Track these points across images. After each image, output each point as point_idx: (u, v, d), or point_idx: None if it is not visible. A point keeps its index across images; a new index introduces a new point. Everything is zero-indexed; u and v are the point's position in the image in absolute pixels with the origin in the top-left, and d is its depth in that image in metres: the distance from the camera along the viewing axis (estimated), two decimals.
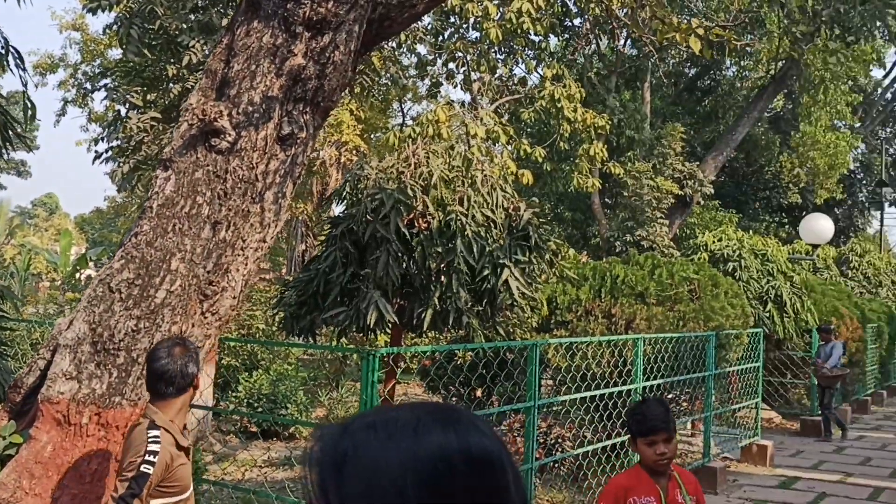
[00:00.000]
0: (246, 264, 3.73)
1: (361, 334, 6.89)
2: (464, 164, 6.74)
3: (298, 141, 3.78)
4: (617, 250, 17.06)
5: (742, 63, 24.57)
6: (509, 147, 14.29)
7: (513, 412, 7.70)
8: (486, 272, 6.21)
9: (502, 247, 6.36)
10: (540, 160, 14.45)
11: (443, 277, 6.07)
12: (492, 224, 6.43)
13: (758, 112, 20.07)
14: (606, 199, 21.49)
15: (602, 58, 20.83)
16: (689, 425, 10.89)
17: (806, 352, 13.05)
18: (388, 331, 6.87)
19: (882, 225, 26.11)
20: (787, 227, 27.16)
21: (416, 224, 6.22)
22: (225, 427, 10.00)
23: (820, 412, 12.42)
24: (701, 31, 6.11)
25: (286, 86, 3.72)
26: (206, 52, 8.28)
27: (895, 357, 18.15)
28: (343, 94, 4.41)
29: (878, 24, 17.85)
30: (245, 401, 9.60)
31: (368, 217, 6.04)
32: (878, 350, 16.30)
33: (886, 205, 29.07)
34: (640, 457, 3.28)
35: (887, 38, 23.52)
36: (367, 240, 6.08)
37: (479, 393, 9.28)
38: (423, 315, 6.08)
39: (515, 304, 6.31)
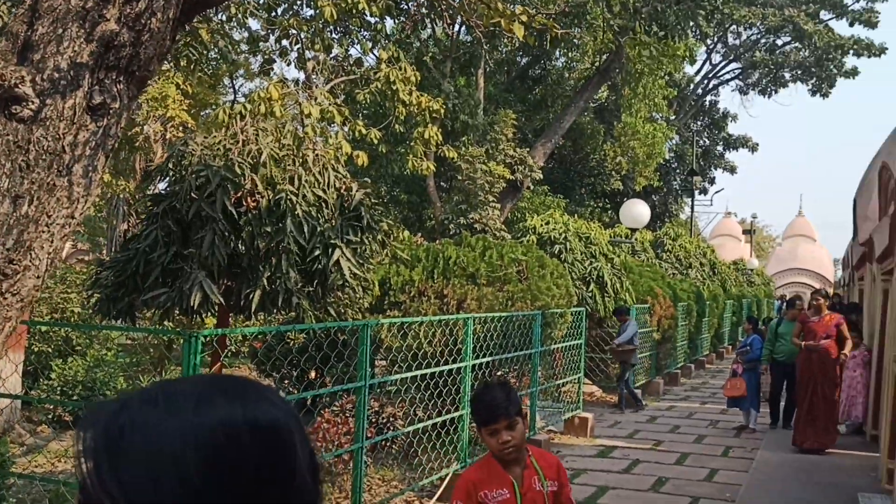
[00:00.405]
0: (52, 241, 3.47)
1: (188, 317, 6.62)
2: (295, 143, 6.62)
3: (111, 112, 3.55)
4: (451, 233, 17.39)
5: (570, 54, 25.63)
6: (345, 128, 14.18)
7: (345, 393, 7.68)
8: (316, 252, 6.13)
9: (333, 227, 6.31)
10: (375, 142, 14.42)
11: (272, 258, 5.94)
12: (323, 204, 6.35)
13: (584, 102, 21.03)
14: (441, 183, 21.83)
15: (437, 42, 21.08)
16: None
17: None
18: (215, 313, 6.65)
19: (692, 211, 28.16)
20: (609, 211, 28.74)
21: (244, 203, 6.04)
22: (36, 417, 9.34)
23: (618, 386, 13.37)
24: (525, 19, 6.29)
25: (97, 52, 3.48)
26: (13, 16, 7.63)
27: (702, 333, 19.67)
28: (161, 64, 4.18)
29: (691, 23, 19.12)
30: (59, 389, 9.00)
31: (193, 195, 5.80)
32: (687, 327, 17.60)
33: (697, 192, 31.41)
34: (487, 447, 3.06)
35: (698, 36, 25.30)
36: (192, 218, 5.84)
37: (312, 375, 9.19)
38: (251, 296, 5.93)
39: (347, 284, 6.27)
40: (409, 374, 6.94)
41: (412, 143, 15.39)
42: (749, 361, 11.50)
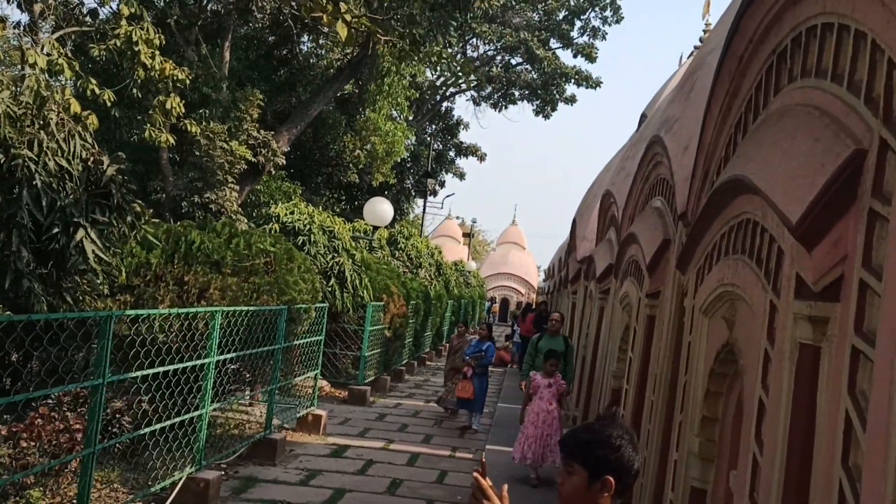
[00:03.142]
0: None
1: None
2: (35, 102, 5.73)
3: None
4: (183, 210, 16.33)
5: (320, 41, 25.29)
6: (73, 84, 12.74)
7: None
8: (55, 230, 5.36)
9: (78, 203, 5.55)
10: (109, 104, 13.11)
11: (2, 233, 5.08)
12: (66, 176, 5.57)
13: (333, 92, 20.85)
14: (173, 156, 20.44)
15: (183, 6, 19.68)
16: (244, 394, 10.84)
17: (359, 325, 13.91)
18: None
19: (424, 212, 29.11)
20: (343, 203, 28.82)
21: None
22: None
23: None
24: (349, 18, 5.99)
25: None
26: None
27: (427, 331, 20.38)
28: None
29: (443, 30, 19.70)
30: None
31: None
32: (414, 325, 18.12)
33: (429, 195, 32.55)
34: None
35: (445, 45, 26.17)
36: None
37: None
38: None
39: (89, 269, 5.55)
40: (154, 371, 6.31)
41: (151, 112, 14.20)
42: (482, 366, 12.05)
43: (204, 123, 16.90)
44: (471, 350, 12.31)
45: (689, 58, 14.98)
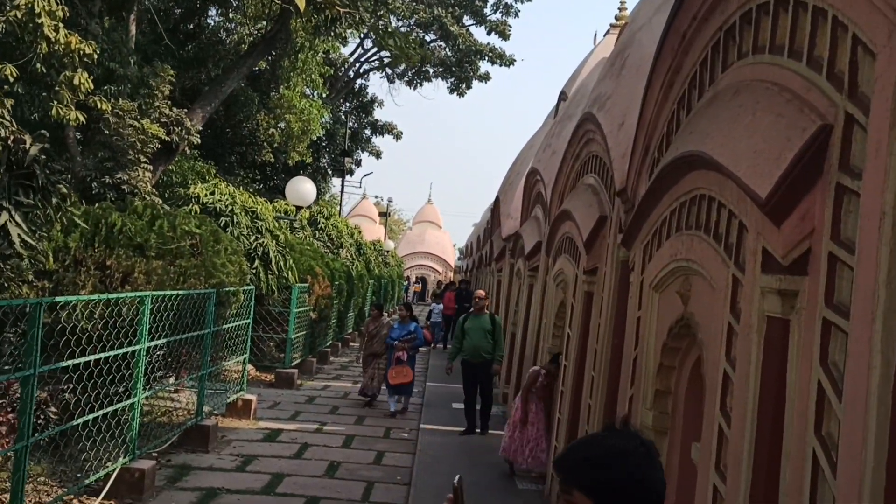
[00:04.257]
0: None
1: None
2: None
3: None
4: (94, 192, 15.62)
5: (231, 15, 24.54)
6: None
7: None
8: None
9: (0, 185, 5.22)
10: (12, 79, 12.40)
11: None
12: None
13: (247, 67, 20.26)
14: (78, 135, 19.51)
15: None
16: (171, 381, 10.53)
17: (285, 307, 13.67)
18: None
19: (342, 191, 28.75)
20: (258, 183, 28.16)
21: None
22: None
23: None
24: None
25: None
26: None
27: (350, 311, 20.21)
28: None
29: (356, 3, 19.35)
30: None
31: None
32: (338, 306, 17.94)
33: (346, 174, 32.16)
34: None
35: (357, 20, 25.75)
36: None
37: None
38: None
39: (15, 254, 5.24)
40: (85, 359, 6.02)
41: (58, 89, 13.49)
42: (413, 349, 11.93)
43: (112, 100, 16.17)
44: (397, 333, 11.97)
45: (604, 36, 15.20)
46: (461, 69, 34.56)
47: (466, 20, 34.98)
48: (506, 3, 34.52)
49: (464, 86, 35.02)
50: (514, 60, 33.90)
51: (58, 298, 5.99)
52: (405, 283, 44.09)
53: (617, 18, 14.27)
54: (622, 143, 6.37)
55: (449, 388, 13.03)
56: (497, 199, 16.95)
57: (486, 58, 34.12)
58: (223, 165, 25.52)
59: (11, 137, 5.45)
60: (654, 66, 5.22)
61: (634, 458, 1.74)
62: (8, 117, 5.54)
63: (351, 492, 7.57)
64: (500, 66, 33.97)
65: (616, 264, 6.21)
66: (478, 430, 10.33)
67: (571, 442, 2.18)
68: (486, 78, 35.35)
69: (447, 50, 35.12)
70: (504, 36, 34.11)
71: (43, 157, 5.50)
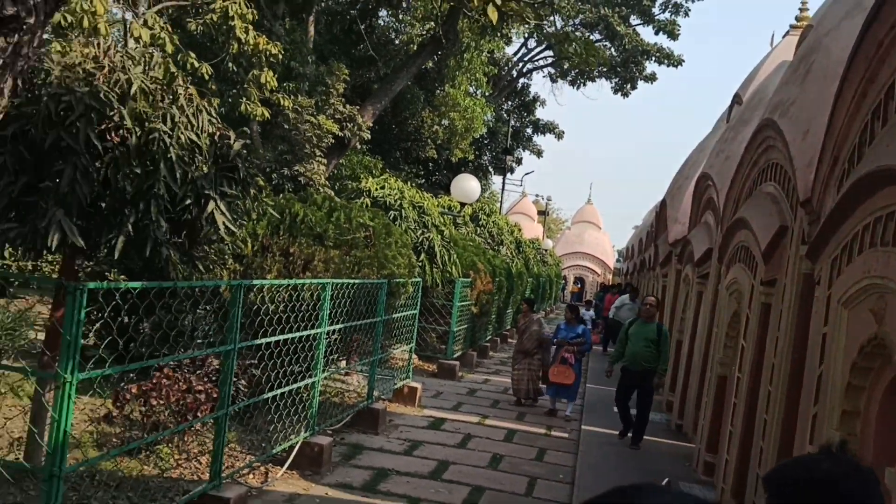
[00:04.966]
0: None
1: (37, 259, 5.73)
2: (166, 78, 5.89)
3: (25, 27, 2.90)
4: (273, 183, 16.63)
5: (400, 16, 25.30)
6: (171, 58, 13.05)
7: (183, 350, 7.03)
8: (188, 202, 5.52)
9: (207, 176, 5.69)
10: (207, 78, 13.38)
11: (140, 202, 5.25)
12: (196, 149, 5.71)
13: (416, 66, 20.85)
14: (258, 129, 20.79)
15: None
16: (342, 364, 11.04)
17: (448, 300, 14.00)
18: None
19: (503, 189, 29.02)
20: (421, 178, 28.92)
21: (107, 137, 5.28)
22: None
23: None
24: (499, 1, 5.96)
25: None
26: None
27: (509, 307, 20.38)
28: None
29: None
30: None
31: (53, 119, 4.99)
32: (498, 301, 18.14)
33: (507, 171, 32.43)
34: None
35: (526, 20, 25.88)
36: (48, 148, 5.03)
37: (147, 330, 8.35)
38: (113, 242, 5.22)
39: (219, 240, 5.71)
40: (277, 338, 6.48)
41: (246, 86, 14.48)
42: (581, 353, 11.62)
43: (292, 97, 17.14)
44: (563, 334, 11.70)
45: (783, 37, 14.48)
46: (626, 69, 33.91)
47: (633, 20, 34.29)
48: (675, 3, 33.58)
49: (628, 86, 34.37)
50: (683, 61, 32.93)
51: (255, 282, 6.47)
52: (562, 282, 43.81)
53: (797, 19, 13.57)
54: (807, 152, 6.10)
55: (610, 391, 12.87)
56: (664, 203, 16.55)
57: (653, 58, 33.30)
58: (389, 160, 26.40)
59: (217, 133, 5.93)
60: (846, 74, 4.95)
61: (847, 484, 1.66)
62: (215, 115, 6.02)
63: (515, 485, 7.68)
64: (668, 66, 33.08)
65: (798, 277, 5.96)
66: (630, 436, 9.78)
67: (784, 461, 2.08)
68: (652, 78, 34.52)
69: (612, 50, 34.55)
70: (672, 35, 33.20)
71: (244, 151, 5.95)
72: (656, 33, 33.18)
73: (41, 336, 8.86)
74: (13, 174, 4.95)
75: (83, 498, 5.51)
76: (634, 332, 9.74)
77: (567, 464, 8.78)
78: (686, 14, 33.65)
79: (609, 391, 12.76)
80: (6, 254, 5.36)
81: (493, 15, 6.15)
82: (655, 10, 33.79)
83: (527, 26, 26.33)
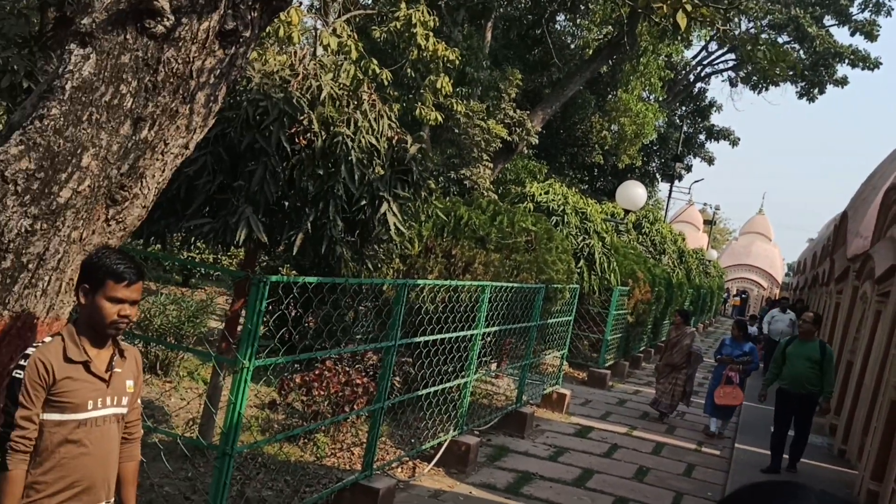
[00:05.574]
0: (163, 171, 3.23)
1: (224, 252, 6.34)
2: (352, 84, 6.33)
3: (241, 40, 3.29)
4: (440, 185, 17.15)
5: (577, 21, 25.25)
6: (356, 65, 13.78)
7: (342, 344, 7.49)
8: (363, 203, 5.92)
9: (383, 178, 6.08)
10: (386, 84, 14.03)
11: (319, 202, 5.70)
12: (375, 153, 6.11)
13: (590, 72, 20.80)
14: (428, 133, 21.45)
15: None
16: (492, 367, 11.28)
17: (604, 308, 13.94)
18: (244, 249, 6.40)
19: (670, 196, 28.32)
20: (585, 183, 28.74)
21: (296, 140, 5.76)
22: None
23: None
24: (689, 7, 6.04)
25: None
26: None
27: (666, 318, 19.95)
28: None
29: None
30: None
31: (251, 123, 5.53)
32: (655, 312, 17.82)
33: (675, 179, 31.61)
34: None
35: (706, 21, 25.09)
36: (244, 149, 5.57)
37: (311, 323, 8.97)
38: (293, 238, 5.70)
39: (391, 240, 6.09)
40: (435, 337, 6.81)
41: (422, 91, 15.03)
42: (747, 372, 11.14)
43: (464, 102, 17.59)
44: (728, 351, 11.20)
45: None
46: (815, 73, 32.05)
47: (827, 20, 32.39)
48: (877, 1, 31.38)
49: (816, 91, 32.44)
50: (880, 63, 30.73)
51: (418, 281, 6.83)
52: (724, 295, 42.12)
53: None
54: None
55: (767, 409, 12.37)
56: (844, 215, 15.64)
57: (846, 60, 31.28)
58: (554, 165, 26.44)
59: (395, 137, 6.31)
60: None
61: None
62: (394, 119, 6.41)
63: (659, 499, 7.63)
64: (863, 69, 30.96)
65: None
66: (787, 467, 9.12)
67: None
68: (843, 82, 32.38)
69: (801, 52, 32.79)
70: (871, 37, 31.05)
71: (419, 155, 6.30)
72: (852, 34, 31.14)
73: (218, 325, 9.71)
74: (211, 173, 5.52)
75: (246, 478, 6.04)
76: (793, 351, 9.05)
77: (717, 482, 8.59)
78: (889, 13, 31.34)
79: (766, 410, 12.29)
80: (196, 247, 5.97)
81: (683, 21, 6.11)
82: (853, 10, 31.73)
83: (710, 29, 25.54)
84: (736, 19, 25.30)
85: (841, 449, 10.48)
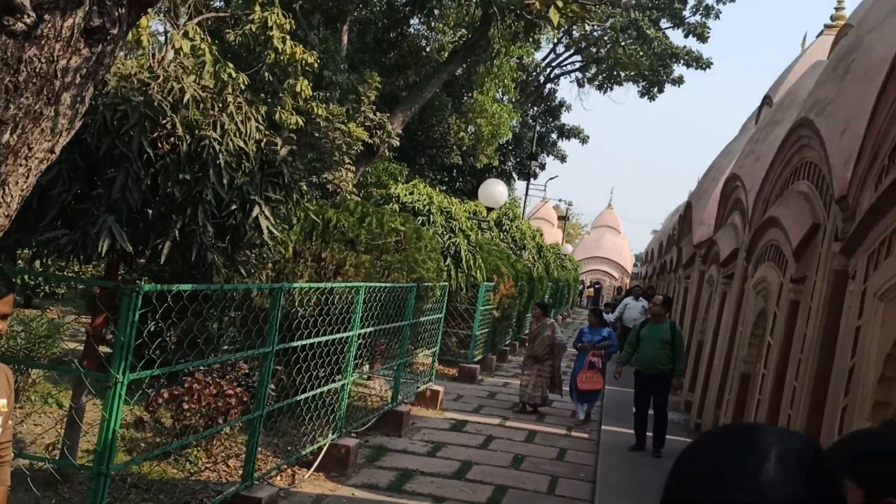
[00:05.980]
0: (27, 177, 3.06)
1: (86, 264, 6.00)
2: (217, 86, 6.18)
3: (108, 38, 3.15)
4: (302, 191, 16.92)
5: (432, 24, 25.57)
6: (211, 69, 13.40)
7: (213, 354, 7.27)
8: (233, 207, 5.79)
9: (253, 181, 5.97)
10: (243, 87, 13.70)
11: (187, 208, 5.52)
12: (243, 156, 5.99)
13: (447, 74, 21.10)
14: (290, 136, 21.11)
15: None
16: (365, 369, 11.24)
17: (471, 304, 14.21)
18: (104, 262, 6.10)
19: (527, 194, 29.19)
20: (445, 184, 29.14)
21: (158, 145, 5.56)
22: None
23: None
24: (560, 4, 6.19)
25: None
26: None
27: (528, 311, 20.53)
28: None
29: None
30: None
31: (109, 128, 5.28)
32: (518, 306, 18.32)
33: (530, 177, 32.60)
34: None
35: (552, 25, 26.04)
36: (102, 156, 5.31)
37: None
38: (160, 247, 5.49)
39: (263, 244, 5.98)
40: (315, 340, 6.74)
41: (281, 95, 14.80)
42: (608, 356, 11.64)
43: (324, 106, 17.45)
44: (588, 338, 11.66)
45: (817, 37, 14.57)
46: (654, 73, 33.92)
47: (663, 23, 34.35)
48: (707, 5, 33.62)
49: (655, 90, 34.37)
50: (711, 63, 32.90)
51: (296, 285, 6.74)
52: (580, 286, 43.86)
53: (833, 19, 13.63)
54: (844, 150, 6.22)
55: (628, 392, 13.01)
56: (689, 205, 16.69)
57: (682, 61, 33.32)
58: (414, 167, 26.65)
59: (264, 140, 6.21)
60: (891, 72, 5.07)
61: None
62: (262, 122, 6.30)
63: (536, 484, 7.89)
64: (696, 69, 33.08)
65: (829, 273, 6.10)
66: (651, 451, 9.45)
67: (844, 435, 2.11)
68: (679, 82, 34.50)
69: (641, 54, 34.60)
70: (702, 38, 33.26)
71: (290, 158, 6.22)
72: (685, 36, 33.24)
73: (75, 346, 9.18)
74: (67, 182, 5.23)
75: (118, 500, 5.76)
76: (647, 334, 9.46)
77: (588, 463, 8.97)
78: (717, 17, 33.66)
79: (626, 392, 12.92)
80: (42, 262, 5.63)
81: (555, 17, 6.34)
82: (686, 14, 33.84)
83: (568, 28, 26.42)
84: (581, 22, 26.44)
85: (697, 423, 11.17)
